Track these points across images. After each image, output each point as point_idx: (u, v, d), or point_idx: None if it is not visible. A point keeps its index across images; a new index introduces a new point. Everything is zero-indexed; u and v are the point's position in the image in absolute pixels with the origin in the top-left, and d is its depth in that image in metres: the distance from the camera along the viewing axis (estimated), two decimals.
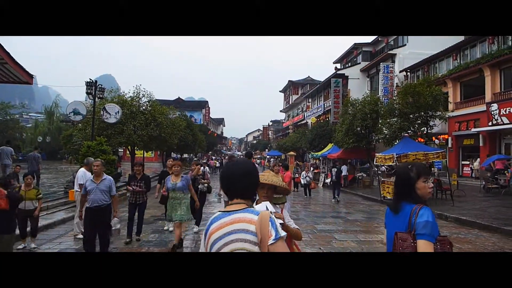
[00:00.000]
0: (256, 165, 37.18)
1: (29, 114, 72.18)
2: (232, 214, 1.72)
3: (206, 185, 8.25)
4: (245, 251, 1.64)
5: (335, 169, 15.80)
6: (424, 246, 2.00)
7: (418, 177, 2.24)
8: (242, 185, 1.79)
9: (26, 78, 7.85)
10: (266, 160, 42.42)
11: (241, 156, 20.18)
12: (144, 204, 7.29)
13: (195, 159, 42.46)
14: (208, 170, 11.28)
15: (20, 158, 26.08)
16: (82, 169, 7.70)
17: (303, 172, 16.88)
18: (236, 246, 1.65)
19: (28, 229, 6.51)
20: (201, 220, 8.13)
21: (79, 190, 6.97)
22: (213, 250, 1.71)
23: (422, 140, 15.71)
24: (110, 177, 6.01)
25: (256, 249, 1.63)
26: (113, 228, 5.92)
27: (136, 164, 7.56)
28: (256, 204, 2.71)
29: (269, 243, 1.61)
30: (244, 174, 1.82)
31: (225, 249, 1.67)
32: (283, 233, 1.66)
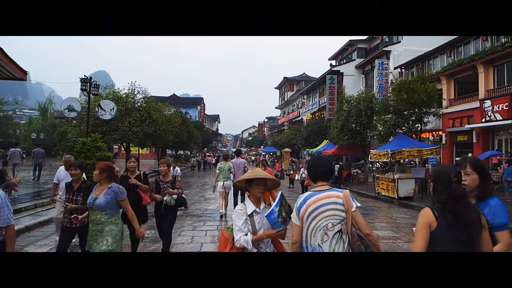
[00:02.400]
0: (252, 162, 37.07)
1: (23, 110, 71.59)
2: (323, 192, 2.48)
3: (175, 196, 5.18)
4: (337, 216, 2.40)
5: (338, 166, 15.89)
6: None
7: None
8: (324, 171, 2.58)
9: (20, 74, 7.82)
10: (262, 156, 42.43)
11: (233, 154, 20.57)
12: (84, 229, 4.08)
13: (191, 154, 42.33)
14: (179, 172, 9.45)
15: None
16: (62, 167, 6.88)
17: (302, 169, 16.90)
18: (330, 212, 2.41)
19: None
20: (170, 245, 5.32)
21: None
22: (311, 217, 2.42)
23: (415, 136, 15.82)
24: None
25: (343, 214, 2.41)
26: None
27: (72, 166, 4.40)
28: (246, 200, 2.76)
29: (352, 210, 2.41)
30: (326, 164, 2.64)
31: (322, 215, 2.41)
32: (359, 204, 2.50)
